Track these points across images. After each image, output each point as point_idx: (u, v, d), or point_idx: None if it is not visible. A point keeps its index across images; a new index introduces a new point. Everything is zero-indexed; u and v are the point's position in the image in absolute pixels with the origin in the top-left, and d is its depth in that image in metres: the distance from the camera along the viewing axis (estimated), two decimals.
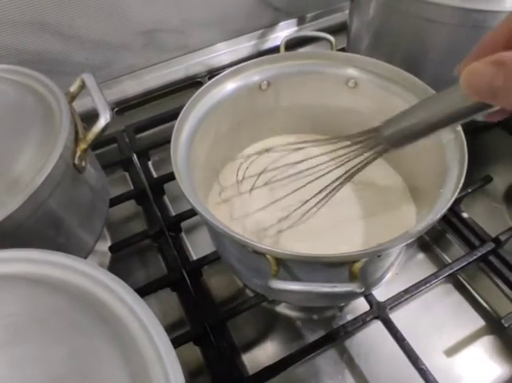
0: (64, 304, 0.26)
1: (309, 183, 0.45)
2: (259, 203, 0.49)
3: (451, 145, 0.40)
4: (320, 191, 0.43)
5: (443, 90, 0.30)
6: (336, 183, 0.42)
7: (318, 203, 0.43)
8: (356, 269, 0.32)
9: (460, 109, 0.28)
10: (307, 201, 0.44)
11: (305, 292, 0.31)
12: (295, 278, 0.36)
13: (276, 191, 0.50)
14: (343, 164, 0.41)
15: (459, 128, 0.40)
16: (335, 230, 0.47)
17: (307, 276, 0.36)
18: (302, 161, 0.46)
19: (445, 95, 0.30)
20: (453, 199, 0.35)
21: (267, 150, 0.49)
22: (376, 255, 0.34)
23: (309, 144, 0.45)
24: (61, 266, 0.29)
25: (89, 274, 0.28)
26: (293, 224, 0.47)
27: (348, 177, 0.41)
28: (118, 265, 0.54)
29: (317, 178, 0.44)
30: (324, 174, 0.44)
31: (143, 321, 0.26)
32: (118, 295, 0.27)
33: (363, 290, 0.31)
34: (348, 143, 0.40)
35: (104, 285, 0.28)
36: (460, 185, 0.36)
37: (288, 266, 0.35)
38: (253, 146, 0.56)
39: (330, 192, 0.42)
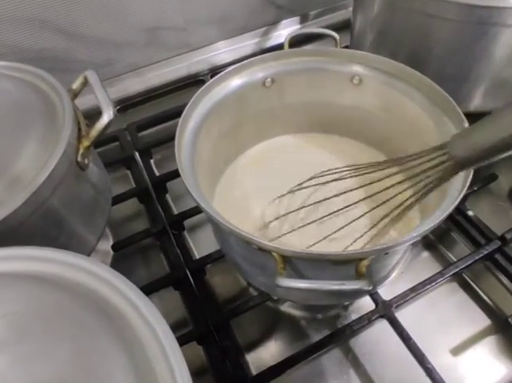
0: (68, 302, 0.26)
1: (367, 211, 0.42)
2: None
3: None
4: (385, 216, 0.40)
5: None
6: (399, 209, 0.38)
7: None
8: (363, 267, 0.32)
9: None
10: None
11: (313, 290, 0.31)
12: (301, 276, 0.36)
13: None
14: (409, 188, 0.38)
15: (467, 125, 0.39)
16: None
17: (313, 274, 0.36)
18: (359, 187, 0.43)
19: None
20: (460, 196, 0.35)
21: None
22: (383, 253, 0.33)
23: (366, 170, 0.41)
24: (63, 264, 0.29)
25: (92, 272, 0.28)
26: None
27: (411, 205, 0.37)
28: (120, 264, 0.54)
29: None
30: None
31: (148, 318, 0.26)
32: (121, 292, 0.27)
33: (371, 287, 0.31)
34: (409, 165, 0.36)
35: (107, 282, 0.28)
36: (468, 183, 0.36)
37: (294, 263, 0.34)
38: (257, 146, 0.56)
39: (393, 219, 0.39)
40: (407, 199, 0.37)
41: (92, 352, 0.23)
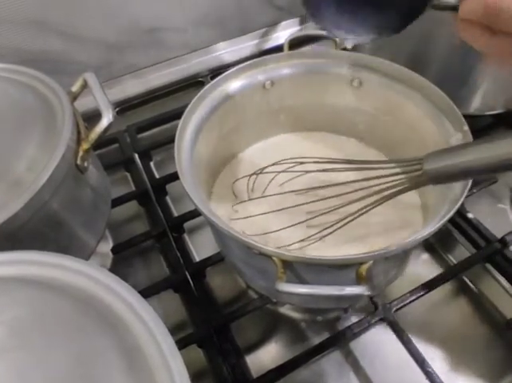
0: (68, 307, 0.26)
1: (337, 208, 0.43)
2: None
3: None
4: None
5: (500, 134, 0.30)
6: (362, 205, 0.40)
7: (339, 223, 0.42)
8: (363, 271, 0.32)
9: None
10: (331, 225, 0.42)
11: (313, 295, 0.31)
12: (301, 280, 0.36)
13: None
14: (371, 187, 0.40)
15: (467, 128, 0.39)
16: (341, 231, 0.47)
17: (313, 278, 0.35)
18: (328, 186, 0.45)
19: (503, 139, 0.30)
20: (462, 199, 0.35)
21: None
22: (383, 258, 0.33)
23: (341, 165, 0.43)
24: (63, 268, 0.29)
25: (92, 276, 0.28)
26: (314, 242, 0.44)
27: (375, 203, 0.39)
28: (120, 266, 0.54)
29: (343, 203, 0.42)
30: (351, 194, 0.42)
31: (148, 324, 0.26)
32: (121, 297, 0.27)
33: (371, 292, 0.31)
34: (383, 169, 0.39)
35: (107, 287, 0.27)
36: (469, 185, 0.36)
37: (294, 268, 0.34)
38: (255, 146, 0.55)
39: (353, 215, 0.40)
40: (369, 198, 0.40)
41: (93, 358, 0.23)
